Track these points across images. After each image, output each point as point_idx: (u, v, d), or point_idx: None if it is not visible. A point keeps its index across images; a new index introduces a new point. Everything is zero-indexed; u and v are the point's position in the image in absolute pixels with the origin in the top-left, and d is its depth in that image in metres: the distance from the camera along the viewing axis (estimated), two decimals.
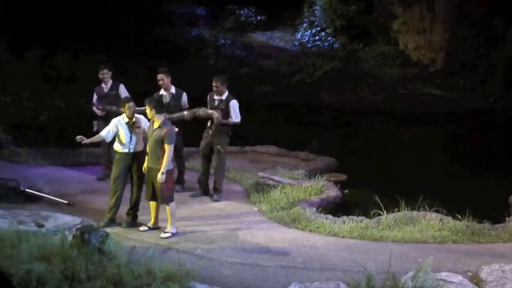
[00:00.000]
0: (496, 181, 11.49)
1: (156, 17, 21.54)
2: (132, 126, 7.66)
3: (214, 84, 8.81)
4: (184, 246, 7.04)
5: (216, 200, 8.91)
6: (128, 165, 7.70)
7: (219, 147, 8.87)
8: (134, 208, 7.83)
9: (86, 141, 7.67)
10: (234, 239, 7.39)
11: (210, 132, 8.81)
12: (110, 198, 7.73)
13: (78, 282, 5.23)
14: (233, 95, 8.95)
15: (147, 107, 7.46)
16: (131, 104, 7.72)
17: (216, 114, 8.67)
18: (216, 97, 8.87)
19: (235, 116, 8.84)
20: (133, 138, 7.66)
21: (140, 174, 7.75)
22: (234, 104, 8.84)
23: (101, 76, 9.80)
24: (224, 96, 8.85)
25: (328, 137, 16.59)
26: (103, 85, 9.85)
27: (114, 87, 9.80)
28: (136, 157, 7.69)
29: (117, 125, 7.68)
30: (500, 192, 9.84)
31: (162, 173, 7.25)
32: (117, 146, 7.74)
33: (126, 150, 7.67)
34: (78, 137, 7.64)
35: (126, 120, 7.68)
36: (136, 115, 7.75)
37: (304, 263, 6.69)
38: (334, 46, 21.92)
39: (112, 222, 7.68)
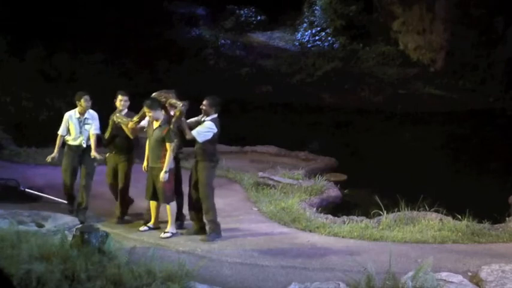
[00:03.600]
0: (496, 181, 11.50)
1: (156, 17, 21.54)
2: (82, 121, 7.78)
3: (203, 102, 7.42)
4: (184, 246, 7.04)
5: (203, 240, 7.25)
6: (77, 156, 7.80)
7: (200, 176, 7.41)
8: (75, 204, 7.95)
9: (55, 153, 7.79)
10: (234, 239, 7.38)
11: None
12: (80, 195, 7.85)
13: (78, 282, 5.23)
14: (219, 120, 7.45)
15: (145, 109, 7.41)
16: (87, 97, 7.81)
17: (179, 104, 7.35)
18: (202, 119, 7.47)
19: (198, 133, 7.26)
20: (84, 133, 7.78)
21: (88, 172, 7.83)
22: (206, 123, 7.34)
23: (118, 103, 7.90)
24: (208, 119, 7.39)
25: (328, 137, 16.58)
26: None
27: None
28: (85, 153, 7.81)
29: (68, 120, 7.79)
30: (500, 192, 9.86)
31: (165, 171, 7.26)
32: (67, 137, 7.86)
33: (76, 143, 7.79)
34: (48, 159, 7.79)
35: (78, 115, 7.79)
36: (90, 111, 7.84)
37: (304, 263, 6.68)
38: (334, 46, 21.95)
39: (86, 209, 7.85)
